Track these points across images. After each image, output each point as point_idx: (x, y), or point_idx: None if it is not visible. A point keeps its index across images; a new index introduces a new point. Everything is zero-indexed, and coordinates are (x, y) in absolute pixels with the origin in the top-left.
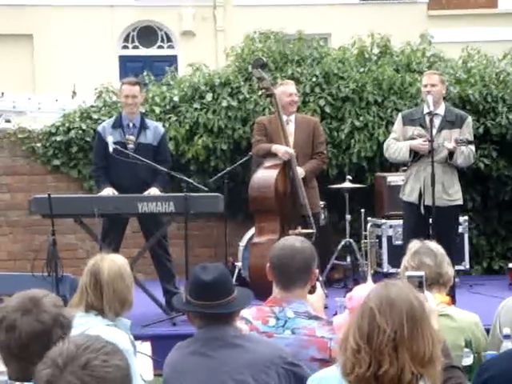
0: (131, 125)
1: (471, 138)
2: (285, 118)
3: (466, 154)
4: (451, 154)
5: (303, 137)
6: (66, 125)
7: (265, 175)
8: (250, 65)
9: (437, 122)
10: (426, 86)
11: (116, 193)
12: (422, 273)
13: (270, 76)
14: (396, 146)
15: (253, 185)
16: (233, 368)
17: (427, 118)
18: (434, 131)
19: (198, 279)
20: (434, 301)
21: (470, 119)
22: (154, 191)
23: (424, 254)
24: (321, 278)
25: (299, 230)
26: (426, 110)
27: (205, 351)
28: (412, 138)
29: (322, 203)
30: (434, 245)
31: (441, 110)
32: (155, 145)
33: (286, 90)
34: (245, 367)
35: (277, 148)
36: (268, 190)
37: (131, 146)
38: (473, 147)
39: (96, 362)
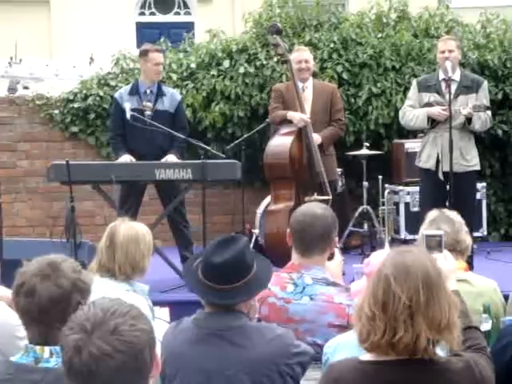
0: (148, 91)
1: (487, 102)
2: (301, 84)
3: (484, 119)
4: (469, 119)
5: (320, 104)
6: (84, 91)
7: (279, 142)
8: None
9: (453, 87)
10: (443, 51)
11: (133, 160)
12: (441, 232)
13: (287, 42)
14: (412, 114)
15: (268, 152)
16: (231, 370)
17: (443, 85)
18: (451, 97)
19: (211, 260)
20: (453, 260)
21: (485, 84)
22: (171, 158)
23: (442, 222)
24: (338, 245)
25: (315, 196)
26: (441, 76)
27: (204, 345)
28: (428, 104)
29: (339, 170)
30: (452, 213)
31: (457, 75)
32: (172, 112)
33: (297, 56)
34: (244, 372)
35: (292, 115)
36: (283, 157)
37: (148, 112)
38: (489, 112)
39: (124, 327)
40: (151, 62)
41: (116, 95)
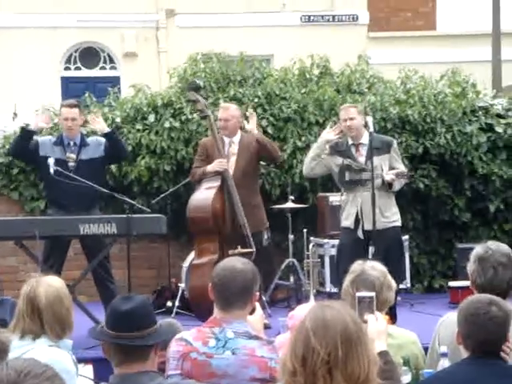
0: (72, 143)
1: (400, 161)
2: (228, 139)
3: (402, 182)
4: (390, 184)
5: (246, 156)
6: (7, 146)
7: (202, 196)
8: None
9: (363, 150)
10: (345, 120)
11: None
12: (372, 293)
13: (212, 97)
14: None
15: (190, 206)
16: None
17: (353, 149)
18: (363, 159)
19: (116, 308)
20: (383, 321)
21: (395, 143)
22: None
23: (360, 284)
24: (264, 298)
25: (239, 249)
26: (350, 142)
27: None
28: (347, 166)
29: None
30: (375, 273)
31: (365, 139)
32: (98, 156)
33: (219, 115)
34: None
35: (209, 168)
36: (205, 211)
37: (72, 163)
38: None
39: None
40: (62, 116)
41: (39, 139)
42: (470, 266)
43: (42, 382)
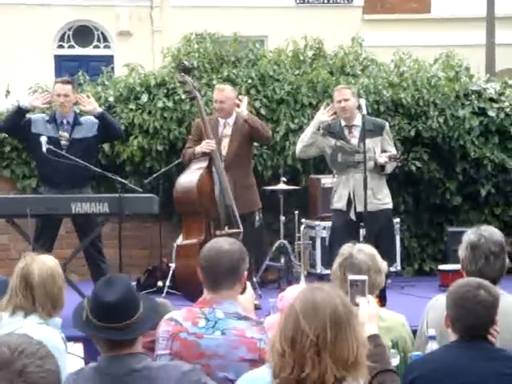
0: (65, 121)
1: (393, 144)
2: (222, 121)
3: (394, 165)
4: (382, 166)
5: (239, 139)
6: None
7: (188, 178)
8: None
9: (356, 132)
10: (339, 101)
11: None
12: (364, 277)
13: (205, 77)
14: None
15: (177, 187)
16: None
17: (346, 131)
18: (356, 141)
19: (101, 299)
20: (375, 304)
21: (387, 125)
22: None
23: (348, 267)
24: (255, 279)
25: (226, 230)
26: (343, 123)
27: None
28: (339, 147)
29: None
30: (359, 256)
31: (357, 121)
32: (92, 135)
33: (214, 96)
34: None
35: (198, 149)
36: (191, 192)
37: (64, 142)
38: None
39: (31, 369)
40: (55, 92)
41: (32, 117)
42: (462, 252)
43: (36, 361)
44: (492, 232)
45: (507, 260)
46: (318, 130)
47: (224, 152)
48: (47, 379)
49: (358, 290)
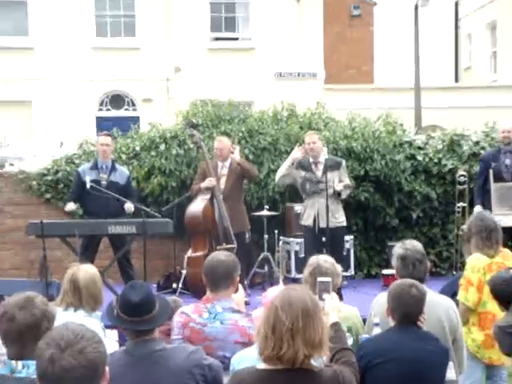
0: (104, 167)
1: (347, 176)
2: (221, 164)
3: (348, 192)
4: (339, 193)
5: (233, 178)
6: (55, 168)
7: (195, 207)
8: (184, 125)
9: (320, 167)
10: (309, 143)
11: (77, 205)
12: (329, 279)
13: (207, 131)
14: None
15: (187, 214)
16: (160, 383)
17: (313, 166)
18: (320, 173)
19: (128, 299)
20: (337, 299)
21: (344, 163)
22: (128, 205)
23: (317, 274)
24: (245, 282)
25: (224, 245)
26: (311, 160)
27: (137, 367)
28: (306, 179)
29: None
30: (325, 265)
31: (322, 158)
32: (122, 184)
33: (215, 145)
34: (169, 382)
35: (203, 184)
36: (197, 217)
37: (104, 182)
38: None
39: (89, 349)
40: (98, 143)
41: (79, 169)
42: (394, 262)
43: (92, 344)
44: (414, 244)
45: (429, 264)
46: (292, 164)
47: (222, 187)
48: (100, 358)
49: (324, 288)
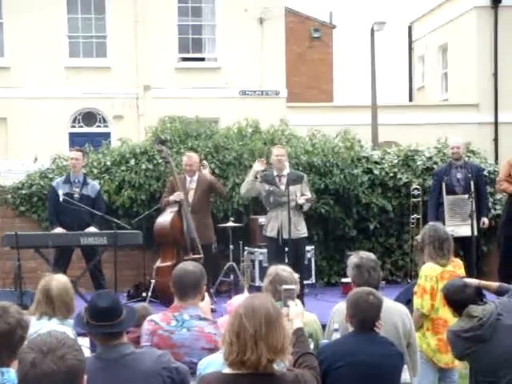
0: (76, 181)
1: (309, 190)
2: (189, 178)
3: (308, 205)
4: (301, 206)
5: (200, 192)
6: (29, 182)
7: (163, 218)
8: (153, 141)
9: (284, 180)
10: (277, 155)
11: (64, 230)
12: (294, 286)
13: (175, 147)
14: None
15: (156, 226)
16: None
17: (277, 179)
18: (283, 187)
19: (97, 305)
20: (301, 306)
21: (305, 177)
22: (92, 229)
23: (277, 282)
24: (212, 290)
25: (191, 255)
26: (275, 173)
27: (107, 371)
28: (271, 191)
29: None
30: (285, 273)
31: (285, 171)
32: (93, 197)
33: (184, 160)
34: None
35: (172, 198)
36: (165, 229)
37: (76, 196)
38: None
39: (69, 356)
40: (69, 157)
41: (53, 183)
42: (350, 271)
43: (73, 352)
44: (368, 254)
45: (381, 273)
46: (256, 178)
47: (190, 200)
48: (78, 365)
49: (289, 296)
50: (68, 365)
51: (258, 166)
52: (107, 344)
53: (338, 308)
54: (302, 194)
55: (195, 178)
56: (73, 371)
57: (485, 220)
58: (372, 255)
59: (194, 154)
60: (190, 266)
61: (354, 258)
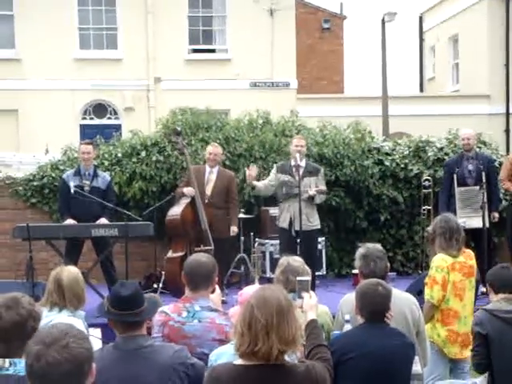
0: (87, 173)
1: (324, 184)
2: (209, 169)
3: (322, 198)
4: (312, 197)
5: (220, 185)
6: (41, 173)
7: (175, 209)
8: (169, 133)
9: (300, 171)
10: (297, 146)
11: (75, 222)
12: (308, 278)
13: (186, 138)
14: (260, 184)
15: (167, 217)
16: (146, 378)
17: (294, 169)
18: (300, 178)
19: (119, 293)
20: (315, 298)
21: (322, 170)
22: (103, 220)
23: (288, 272)
24: (223, 282)
25: (201, 247)
26: (293, 163)
27: (125, 361)
28: (284, 182)
29: None
30: (297, 264)
31: (303, 163)
32: (103, 189)
33: (209, 150)
34: (155, 377)
35: (185, 190)
36: (176, 220)
37: (87, 188)
38: (325, 193)
39: (73, 345)
40: (80, 151)
41: (64, 176)
42: (357, 262)
43: (76, 341)
44: (374, 245)
45: (388, 264)
46: (253, 188)
47: (208, 192)
48: (84, 354)
49: (303, 287)
50: (73, 353)
51: (252, 172)
52: (126, 333)
53: (346, 299)
54: (317, 187)
55: (215, 169)
56: (78, 359)
57: (495, 214)
58: (379, 246)
59: (218, 146)
60: (202, 257)
61: (361, 250)
